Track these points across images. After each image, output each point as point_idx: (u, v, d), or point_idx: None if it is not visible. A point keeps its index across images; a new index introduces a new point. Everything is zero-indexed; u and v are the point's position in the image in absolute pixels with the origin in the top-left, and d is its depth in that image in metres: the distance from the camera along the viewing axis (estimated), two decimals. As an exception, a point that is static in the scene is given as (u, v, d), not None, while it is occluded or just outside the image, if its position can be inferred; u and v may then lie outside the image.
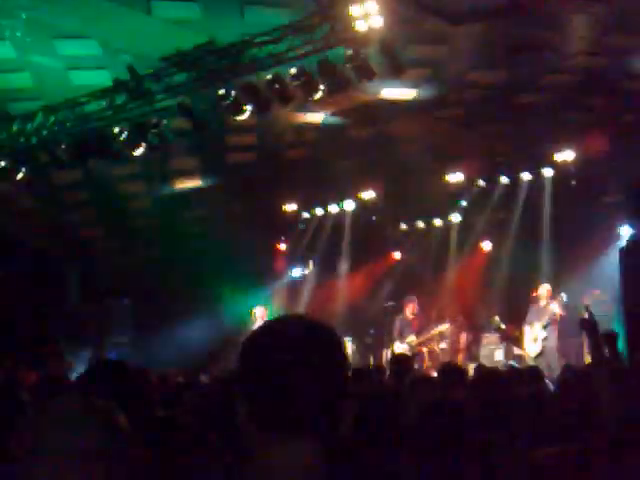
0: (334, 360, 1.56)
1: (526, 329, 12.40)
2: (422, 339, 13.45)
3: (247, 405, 1.52)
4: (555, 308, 11.96)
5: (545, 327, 12.04)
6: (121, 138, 10.32)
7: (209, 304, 14.55)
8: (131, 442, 1.88)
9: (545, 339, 12.00)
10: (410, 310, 13.53)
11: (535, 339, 12.19)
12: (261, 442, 1.51)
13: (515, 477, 3.23)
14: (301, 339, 1.55)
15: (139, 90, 9.78)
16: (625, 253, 9.49)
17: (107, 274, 14.97)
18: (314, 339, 1.57)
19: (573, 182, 12.72)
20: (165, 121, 10.14)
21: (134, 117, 10.23)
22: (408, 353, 12.74)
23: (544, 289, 12.36)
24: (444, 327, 13.50)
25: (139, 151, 10.42)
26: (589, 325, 4.49)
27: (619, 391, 4.50)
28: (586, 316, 10.43)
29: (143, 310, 14.77)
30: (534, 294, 12.57)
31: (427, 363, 13.37)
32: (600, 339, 4.26)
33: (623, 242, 11.58)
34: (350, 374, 1.62)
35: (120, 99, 10.06)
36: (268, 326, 1.65)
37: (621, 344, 11.39)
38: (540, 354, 12.05)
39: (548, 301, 12.17)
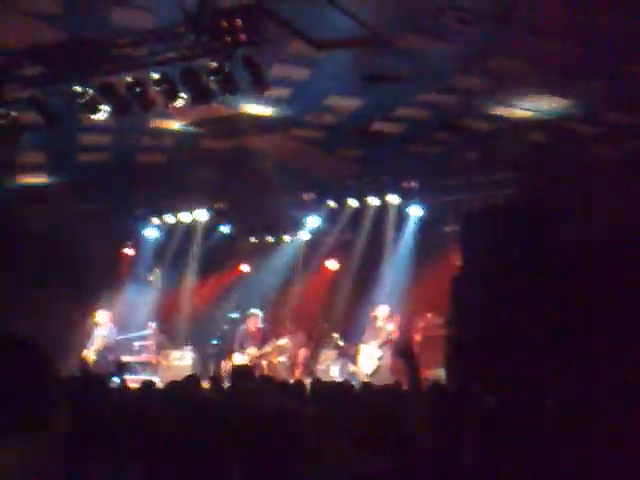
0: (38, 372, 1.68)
1: (362, 347, 12.87)
2: (262, 352, 13.66)
3: None
4: (390, 328, 12.54)
5: (381, 346, 12.57)
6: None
7: (46, 306, 13.96)
8: None
9: (380, 358, 12.53)
10: (252, 323, 13.74)
11: (371, 357, 12.69)
12: None
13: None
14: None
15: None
16: (455, 282, 10.07)
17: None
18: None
19: (417, 210, 13.41)
20: (14, 113, 9.73)
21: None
22: (248, 364, 12.98)
23: (382, 310, 12.91)
24: (283, 342, 13.78)
25: (-17, 142, 9.96)
26: (404, 350, 4.72)
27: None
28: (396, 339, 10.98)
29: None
30: (373, 314, 13.08)
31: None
32: (415, 363, 4.51)
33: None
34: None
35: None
36: None
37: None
38: (374, 372, 12.56)
39: (385, 322, 12.72)
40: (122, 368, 9.50)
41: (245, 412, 4.22)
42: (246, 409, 4.42)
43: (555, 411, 4.85)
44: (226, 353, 14.21)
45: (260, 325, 13.87)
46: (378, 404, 6.40)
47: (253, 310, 13.90)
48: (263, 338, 13.87)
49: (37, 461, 1.59)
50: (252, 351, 13.67)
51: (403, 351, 4.71)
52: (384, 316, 12.94)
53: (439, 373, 12.68)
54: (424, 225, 13.63)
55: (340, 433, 3.84)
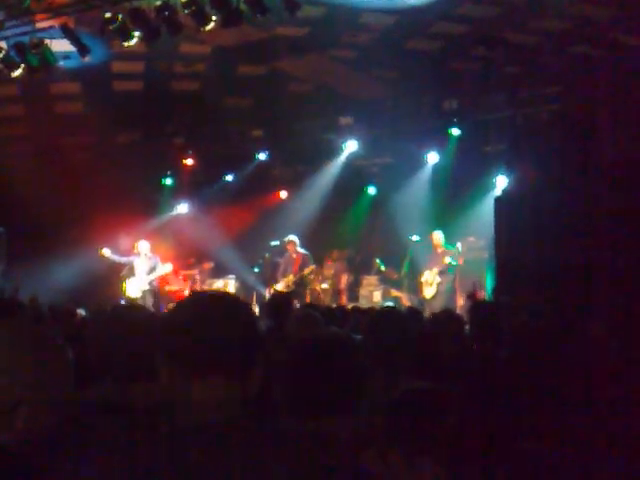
0: (250, 319, 1.96)
1: (425, 273, 12.96)
2: (297, 278, 13.68)
3: (172, 347, 1.87)
4: (449, 259, 12.62)
5: (440, 273, 12.69)
6: (-2, 58, 9.80)
7: (88, 236, 14.14)
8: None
9: (440, 284, 12.66)
10: (291, 249, 13.72)
11: (431, 283, 12.81)
12: (182, 379, 1.85)
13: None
14: (222, 303, 1.95)
15: (19, 8, 9.26)
16: (499, 202, 9.89)
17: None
18: (232, 304, 1.96)
19: (455, 131, 13.07)
20: (47, 42, 9.67)
21: (13, 36, 9.70)
22: (285, 291, 13.07)
23: (437, 236, 12.88)
24: (310, 269, 13.73)
25: (18, 72, 9.94)
26: None
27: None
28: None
29: (17, 241, 14.22)
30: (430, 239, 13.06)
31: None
32: None
33: (498, 192, 12.08)
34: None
35: (-2, 16, 9.51)
36: (194, 294, 2.19)
37: (489, 285, 12.11)
38: (433, 297, 12.71)
39: (443, 249, 12.73)
40: None
41: (293, 341, 4.20)
42: (294, 338, 4.41)
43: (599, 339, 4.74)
44: (268, 281, 14.28)
45: (299, 250, 13.82)
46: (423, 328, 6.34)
47: (290, 236, 13.81)
48: (302, 264, 13.85)
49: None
50: (290, 278, 13.72)
51: None
52: (441, 242, 12.92)
53: (481, 295, 12.67)
54: (465, 146, 13.28)
55: (385, 359, 3.77)
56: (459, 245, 12.65)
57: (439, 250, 12.81)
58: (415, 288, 13.71)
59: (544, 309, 6.14)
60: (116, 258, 13.72)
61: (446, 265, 12.66)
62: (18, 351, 1.91)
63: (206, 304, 1.93)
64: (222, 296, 2.02)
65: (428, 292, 12.87)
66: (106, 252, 13.62)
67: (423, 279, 13.03)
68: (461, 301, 12.99)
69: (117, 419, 2.50)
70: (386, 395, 3.05)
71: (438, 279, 12.74)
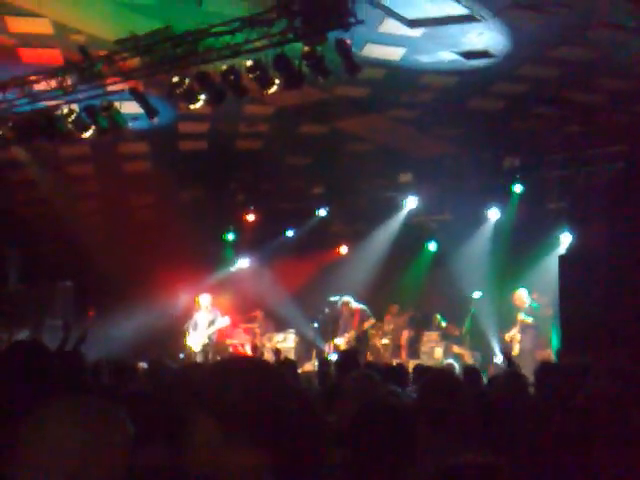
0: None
1: (512, 330, 12.93)
2: (357, 333, 13.74)
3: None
4: (522, 317, 12.53)
5: (521, 331, 12.59)
6: (70, 119, 10.21)
7: (152, 290, 14.40)
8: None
9: (520, 341, 12.51)
10: (346, 310, 13.82)
11: (513, 340, 12.71)
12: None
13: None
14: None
15: (91, 72, 9.68)
16: (563, 260, 9.74)
17: (50, 256, 14.74)
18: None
19: (518, 188, 12.99)
20: (117, 104, 10.05)
21: (84, 99, 10.12)
22: (344, 347, 13.14)
23: (521, 294, 12.85)
24: (370, 323, 13.78)
25: (88, 133, 10.33)
26: None
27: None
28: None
29: (82, 294, 14.59)
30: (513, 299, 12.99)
31: (369, 359, 13.61)
32: None
33: (562, 249, 11.91)
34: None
35: (71, 80, 9.94)
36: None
37: (555, 345, 11.85)
38: (517, 355, 12.56)
39: (525, 307, 12.71)
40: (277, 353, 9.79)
41: (346, 406, 4.18)
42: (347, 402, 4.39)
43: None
44: (327, 336, 14.30)
45: (355, 307, 13.89)
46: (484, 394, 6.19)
47: (344, 298, 13.96)
48: (361, 319, 13.90)
49: None
50: (352, 334, 13.78)
51: None
52: (524, 299, 12.85)
53: (547, 353, 12.39)
54: (527, 202, 13.16)
55: (445, 424, 3.72)
56: (535, 303, 12.60)
57: (524, 308, 12.79)
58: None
59: (606, 373, 5.96)
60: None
61: (523, 323, 12.61)
62: (76, 428, 1.89)
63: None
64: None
65: (515, 349, 12.79)
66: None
67: (507, 336, 12.92)
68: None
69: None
70: (437, 461, 3.01)
71: (518, 337, 12.66)
